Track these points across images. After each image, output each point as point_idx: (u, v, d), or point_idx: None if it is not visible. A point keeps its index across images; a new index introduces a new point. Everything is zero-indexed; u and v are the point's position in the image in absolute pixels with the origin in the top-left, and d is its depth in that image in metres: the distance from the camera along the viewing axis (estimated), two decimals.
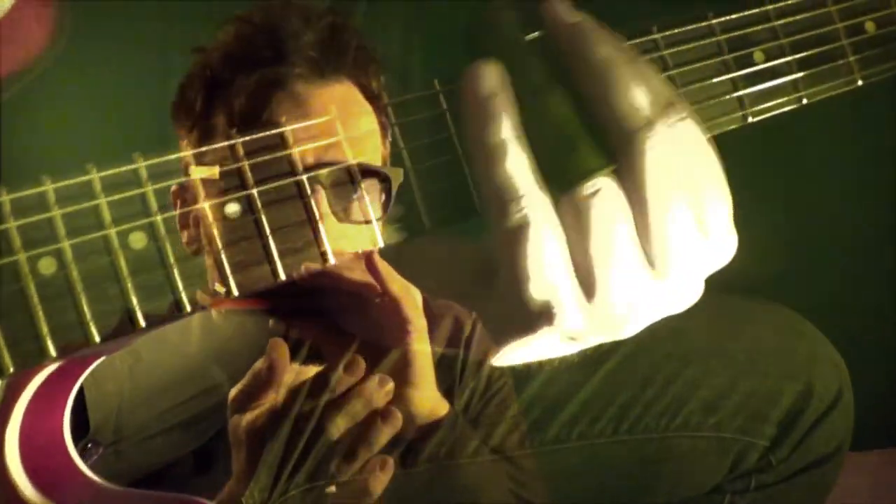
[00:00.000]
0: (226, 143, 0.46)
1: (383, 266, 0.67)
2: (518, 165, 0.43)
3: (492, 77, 0.44)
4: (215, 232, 0.44)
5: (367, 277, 0.67)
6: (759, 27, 0.56)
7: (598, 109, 0.44)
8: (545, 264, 0.43)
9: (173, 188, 1.05)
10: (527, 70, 0.45)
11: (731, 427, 0.98)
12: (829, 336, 1.03)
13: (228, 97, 0.86)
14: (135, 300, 0.42)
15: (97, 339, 0.42)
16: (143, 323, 0.43)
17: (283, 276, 0.45)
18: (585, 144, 0.44)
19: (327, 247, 0.46)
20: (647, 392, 0.99)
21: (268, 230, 0.45)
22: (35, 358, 0.41)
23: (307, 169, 0.82)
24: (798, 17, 0.57)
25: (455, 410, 0.85)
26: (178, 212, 0.44)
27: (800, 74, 0.56)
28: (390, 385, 0.66)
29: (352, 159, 0.84)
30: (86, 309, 0.41)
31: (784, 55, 0.56)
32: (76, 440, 0.67)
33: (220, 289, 0.44)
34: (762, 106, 0.55)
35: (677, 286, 0.45)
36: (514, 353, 0.47)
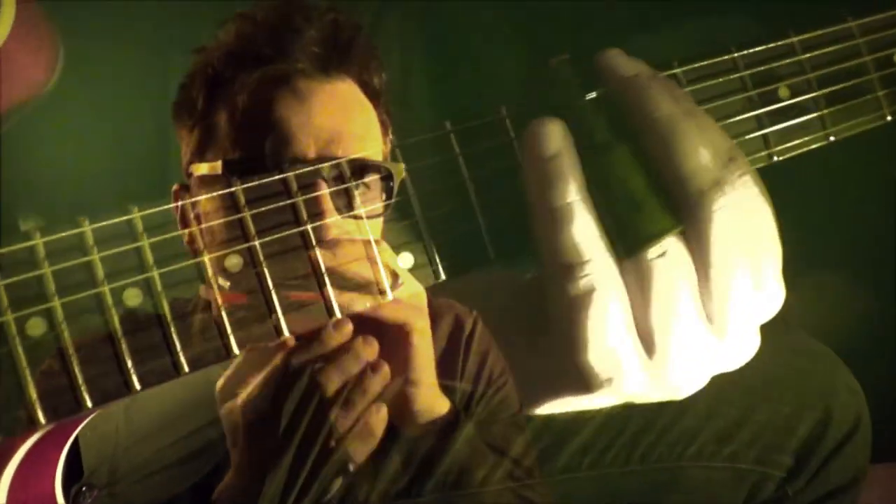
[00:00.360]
0: (227, 190, 0.43)
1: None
2: (585, 229, 0.42)
3: (556, 136, 0.43)
4: (215, 287, 0.41)
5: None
6: (785, 61, 0.53)
7: (663, 168, 0.43)
8: (609, 330, 0.42)
9: (174, 187, 1.03)
10: (589, 128, 0.44)
11: (747, 457, 0.95)
12: (836, 351, 1.01)
13: (230, 95, 0.84)
14: (129, 362, 0.40)
15: (90, 404, 0.39)
16: (138, 387, 0.40)
17: (286, 334, 0.43)
18: (652, 205, 0.42)
19: (333, 301, 0.44)
20: (660, 420, 0.97)
21: (270, 284, 0.43)
22: (23, 426, 0.38)
23: (309, 163, 0.82)
24: (825, 50, 0.54)
25: (457, 409, 0.83)
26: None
27: (827, 110, 0.54)
28: (375, 345, 0.65)
29: (353, 155, 0.84)
30: (77, 373, 0.39)
31: (811, 90, 0.54)
32: (71, 483, 0.65)
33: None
34: (788, 144, 0.52)
35: (734, 342, 0.45)
36: (562, 407, 0.47)
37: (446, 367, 0.96)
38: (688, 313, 0.43)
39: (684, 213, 0.43)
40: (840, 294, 1.49)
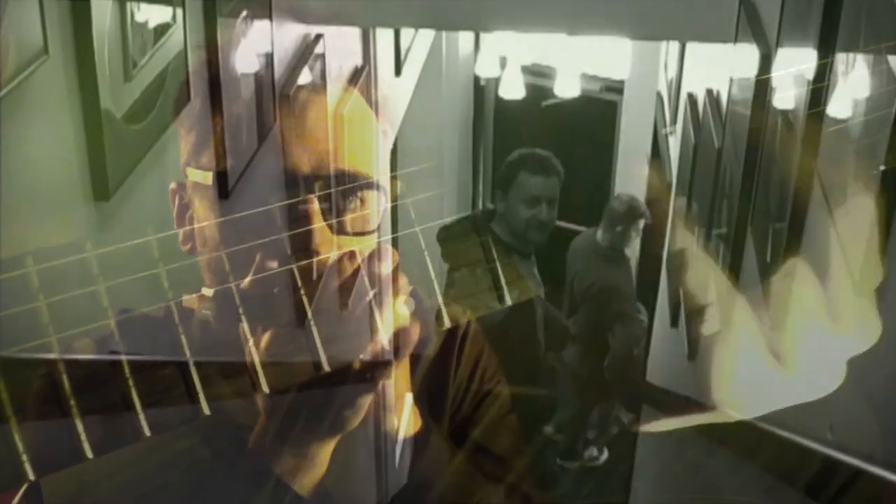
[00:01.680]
0: (222, 220, 0.38)
1: None
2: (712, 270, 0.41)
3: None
4: (183, 340, 0.36)
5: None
6: None
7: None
8: (747, 361, 0.43)
9: (172, 185, 1.02)
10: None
11: (755, 490, 0.91)
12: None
13: (228, 102, 0.85)
14: (80, 425, 0.34)
15: (31, 476, 0.34)
16: (90, 454, 0.34)
17: (265, 390, 0.37)
18: (779, 229, 0.42)
19: (322, 354, 0.38)
20: (667, 450, 0.92)
21: (248, 334, 0.37)
22: None
23: (304, 178, 0.82)
24: None
25: (428, 426, 0.81)
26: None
27: None
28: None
29: (349, 168, 0.81)
30: (17, 439, 0.33)
31: None
32: None
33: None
34: None
35: (859, 330, 0.46)
36: (684, 424, 0.47)
37: (440, 367, 0.94)
38: (817, 317, 0.44)
39: (807, 234, 0.44)
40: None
